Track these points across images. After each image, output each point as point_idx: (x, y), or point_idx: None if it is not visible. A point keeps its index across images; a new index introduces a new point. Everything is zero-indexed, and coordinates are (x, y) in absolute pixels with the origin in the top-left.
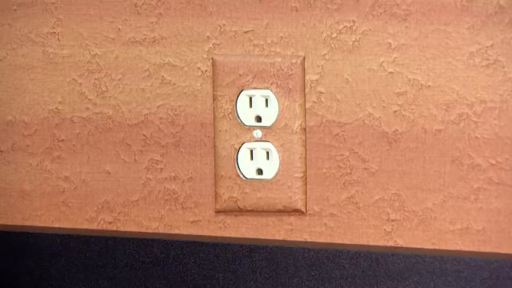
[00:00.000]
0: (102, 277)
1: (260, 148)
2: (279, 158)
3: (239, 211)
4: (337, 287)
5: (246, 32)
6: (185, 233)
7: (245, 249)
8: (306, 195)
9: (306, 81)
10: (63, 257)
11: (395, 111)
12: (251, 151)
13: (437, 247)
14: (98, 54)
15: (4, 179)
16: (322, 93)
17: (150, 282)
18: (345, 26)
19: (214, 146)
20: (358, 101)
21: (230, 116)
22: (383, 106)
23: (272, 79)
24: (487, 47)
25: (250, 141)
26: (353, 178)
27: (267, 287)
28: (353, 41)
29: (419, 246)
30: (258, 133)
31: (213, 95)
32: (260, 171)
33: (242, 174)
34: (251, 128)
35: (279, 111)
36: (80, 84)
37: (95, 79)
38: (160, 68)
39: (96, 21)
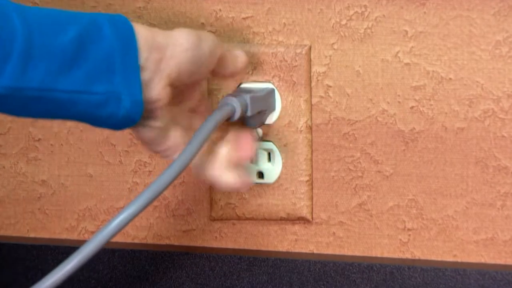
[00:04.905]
0: None
1: (260, 148)
2: (282, 159)
3: (237, 219)
4: None
5: (244, 19)
6: (176, 243)
7: (244, 261)
8: (312, 201)
9: (312, 74)
10: (40, 270)
11: (412, 107)
12: None
13: (459, 260)
14: None
15: None
16: (330, 86)
17: None
18: (356, 12)
19: None
20: (371, 96)
21: None
22: (399, 102)
23: (274, 71)
24: None
25: None
26: (364, 182)
27: None
28: (365, 29)
29: (439, 259)
30: (258, 132)
31: (208, 89)
32: (260, 175)
33: None
34: None
35: (282, 107)
36: None
37: None
38: None
39: (77, 5)
